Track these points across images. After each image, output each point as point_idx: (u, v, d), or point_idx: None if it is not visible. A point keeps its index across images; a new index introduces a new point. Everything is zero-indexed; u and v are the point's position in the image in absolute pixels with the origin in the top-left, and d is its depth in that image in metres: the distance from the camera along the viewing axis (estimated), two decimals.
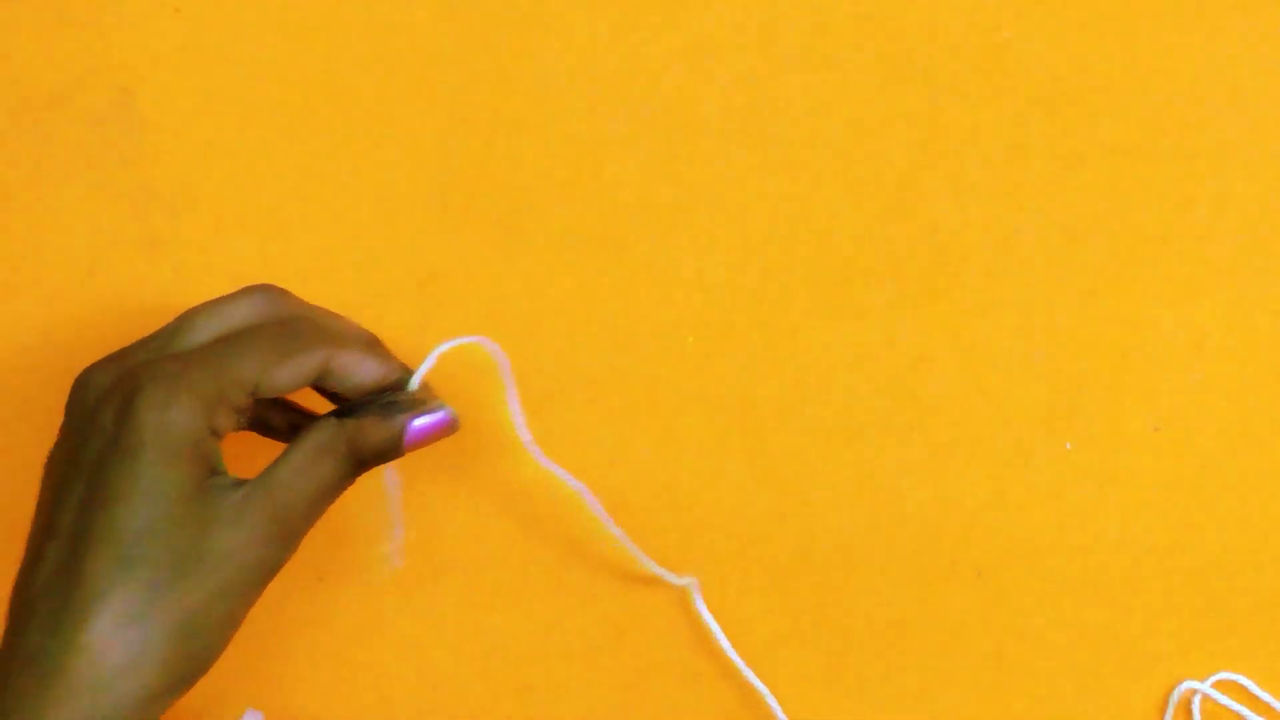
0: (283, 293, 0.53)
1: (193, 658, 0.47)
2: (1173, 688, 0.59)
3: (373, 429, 0.50)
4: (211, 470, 0.48)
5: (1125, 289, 0.59)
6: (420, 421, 0.51)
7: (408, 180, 0.59)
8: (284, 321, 0.51)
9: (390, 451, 0.50)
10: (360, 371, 0.51)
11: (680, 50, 0.59)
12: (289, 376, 0.49)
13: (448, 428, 0.51)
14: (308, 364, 0.50)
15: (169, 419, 0.47)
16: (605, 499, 0.58)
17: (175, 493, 0.47)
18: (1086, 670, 0.59)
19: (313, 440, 0.49)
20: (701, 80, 0.59)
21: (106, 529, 0.47)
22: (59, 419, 0.60)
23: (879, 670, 0.59)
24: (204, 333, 0.51)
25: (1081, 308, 0.59)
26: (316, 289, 0.59)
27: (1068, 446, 0.59)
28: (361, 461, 0.50)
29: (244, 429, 0.51)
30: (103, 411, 0.48)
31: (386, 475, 0.55)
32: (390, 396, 0.51)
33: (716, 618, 0.58)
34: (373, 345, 0.52)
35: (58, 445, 0.50)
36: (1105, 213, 0.59)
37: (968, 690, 0.59)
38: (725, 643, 0.58)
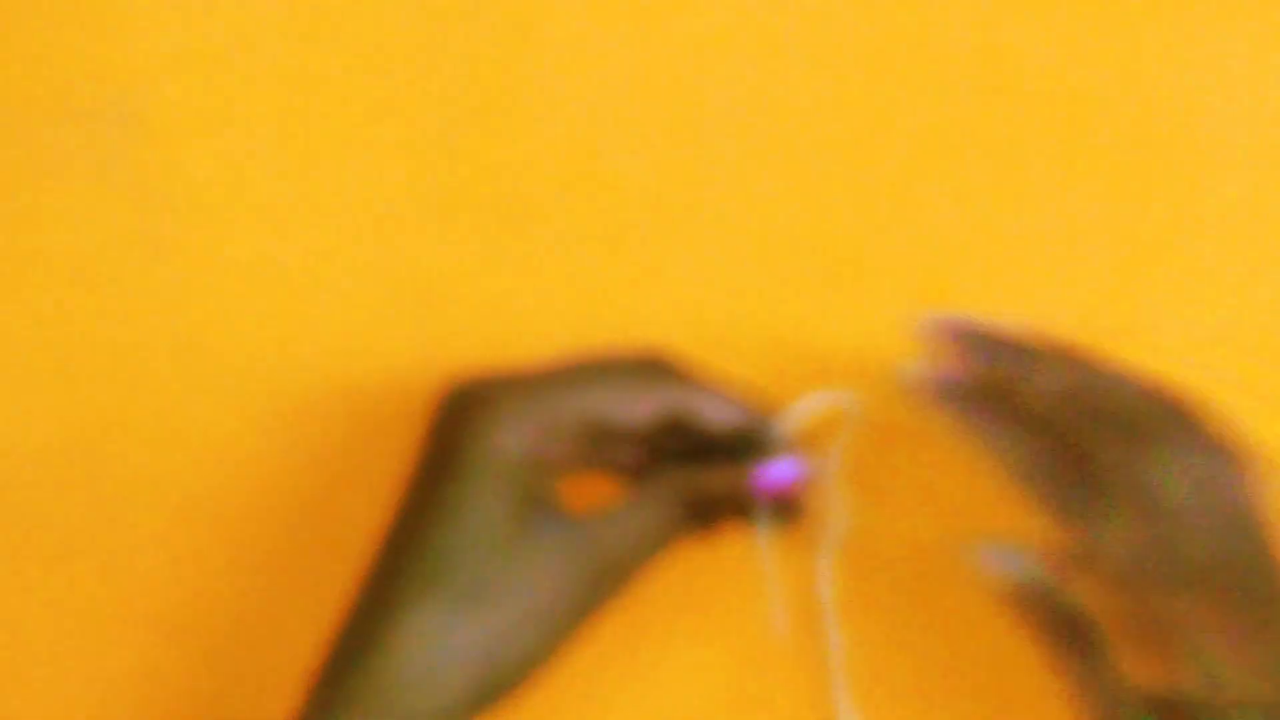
0: (673, 359, 0.51)
1: (490, 683, 0.47)
2: None
3: (715, 476, 0.48)
4: (538, 500, 0.47)
5: (1125, 289, 0.59)
6: (767, 470, 0.48)
7: (408, 181, 0.59)
8: (650, 362, 0.49)
9: (733, 501, 0.48)
10: (716, 414, 0.48)
11: (680, 50, 0.59)
12: (637, 412, 0.47)
13: (798, 481, 0.48)
14: (657, 401, 0.48)
15: (495, 444, 0.46)
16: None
17: (492, 517, 0.46)
18: None
19: (652, 484, 0.48)
20: (701, 80, 0.59)
21: (422, 543, 0.47)
22: (59, 419, 0.60)
23: (877, 669, 0.59)
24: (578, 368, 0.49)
25: (1081, 308, 0.59)
26: (317, 289, 0.59)
27: None
28: (702, 510, 0.48)
29: (591, 464, 0.49)
30: (445, 426, 0.48)
31: (759, 533, 0.51)
32: (746, 444, 0.48)
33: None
34: (737, 395, 0.50)
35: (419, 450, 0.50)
36: (1105, 212, 0.59)
37: (968, 690, 0.59)
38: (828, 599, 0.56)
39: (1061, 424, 0.48)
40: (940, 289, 0.59)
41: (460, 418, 0.47)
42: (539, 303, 0.59)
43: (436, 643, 0.46)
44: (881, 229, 0.59)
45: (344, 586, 0.50)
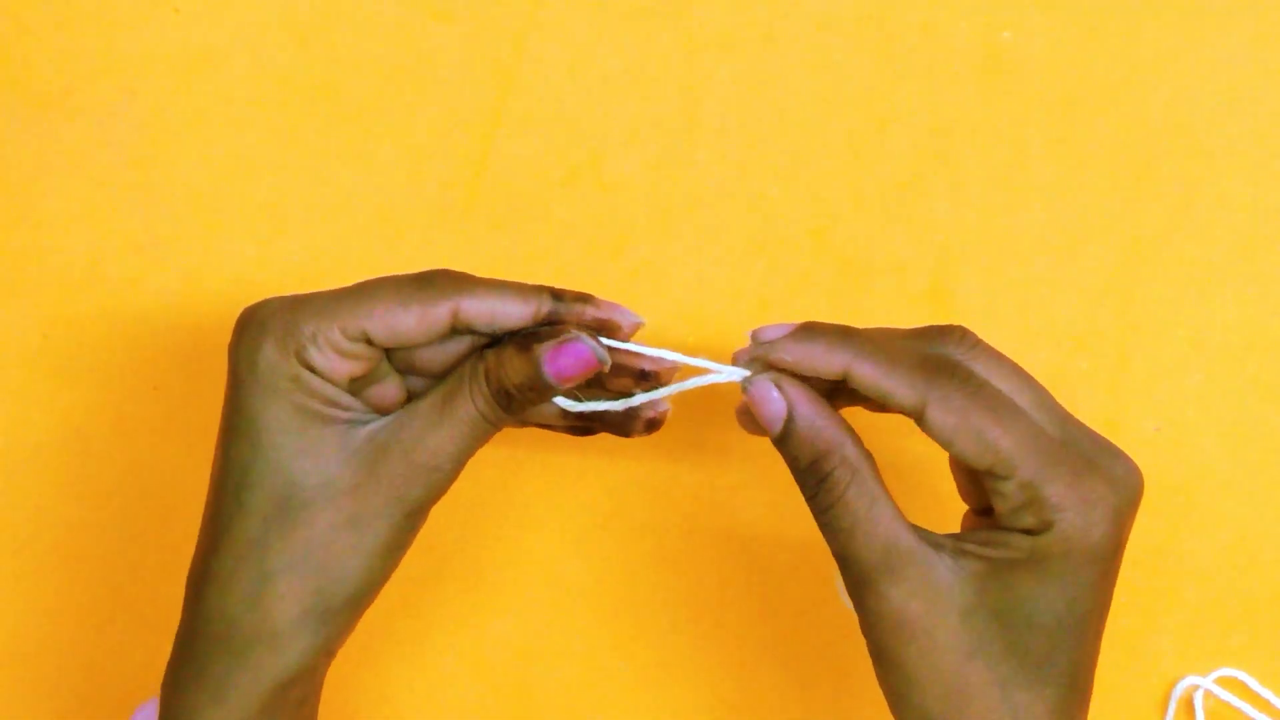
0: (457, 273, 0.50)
1: (325, 597, 0.46)
2: (1175, 684, 0.59)
3: (509, 360, 0.47)
4: (336, 408, 0.47)
5: (1125, 289, 0.59)
6: (556, 348, 0.47)
7: (407, 180, 0.59)
8: (428, 274, 0.49)
9: (532, 384, 0.47)
10: (499, 312, 0.47)
11: (680, 50, 0.60)
12: (411, 322, 0.47)
13: (589, 358, 0.47)
14: (432, 310, 0.47)
15: (259, 357, 0.46)
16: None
17: (277, 427, 0.46)
18: None
19: (450, 378, 0.48)
20: (701, 80, 0.59)
21: (223, 462, 0.47)
22: (59, 418, 0.60)
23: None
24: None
25: (1081, 307, 0.59)
26: (316, 289, 0.59)
27: None
28: (504, 398, 0.47)
29: (388, 375, 0.49)
30: (229, 349, 0.48)
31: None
32: (541, 329, 0.47)
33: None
34: (524, 289, 0.48)
35: None
36: (1105, 213, 0.59)
37: None
38: None
39: None
40: (940, 289, 0.59)
41: (235, 339, 0.48)
42: None
43: (255, 562, 0.46)
44: (881, 229, 0.59)
45: None
